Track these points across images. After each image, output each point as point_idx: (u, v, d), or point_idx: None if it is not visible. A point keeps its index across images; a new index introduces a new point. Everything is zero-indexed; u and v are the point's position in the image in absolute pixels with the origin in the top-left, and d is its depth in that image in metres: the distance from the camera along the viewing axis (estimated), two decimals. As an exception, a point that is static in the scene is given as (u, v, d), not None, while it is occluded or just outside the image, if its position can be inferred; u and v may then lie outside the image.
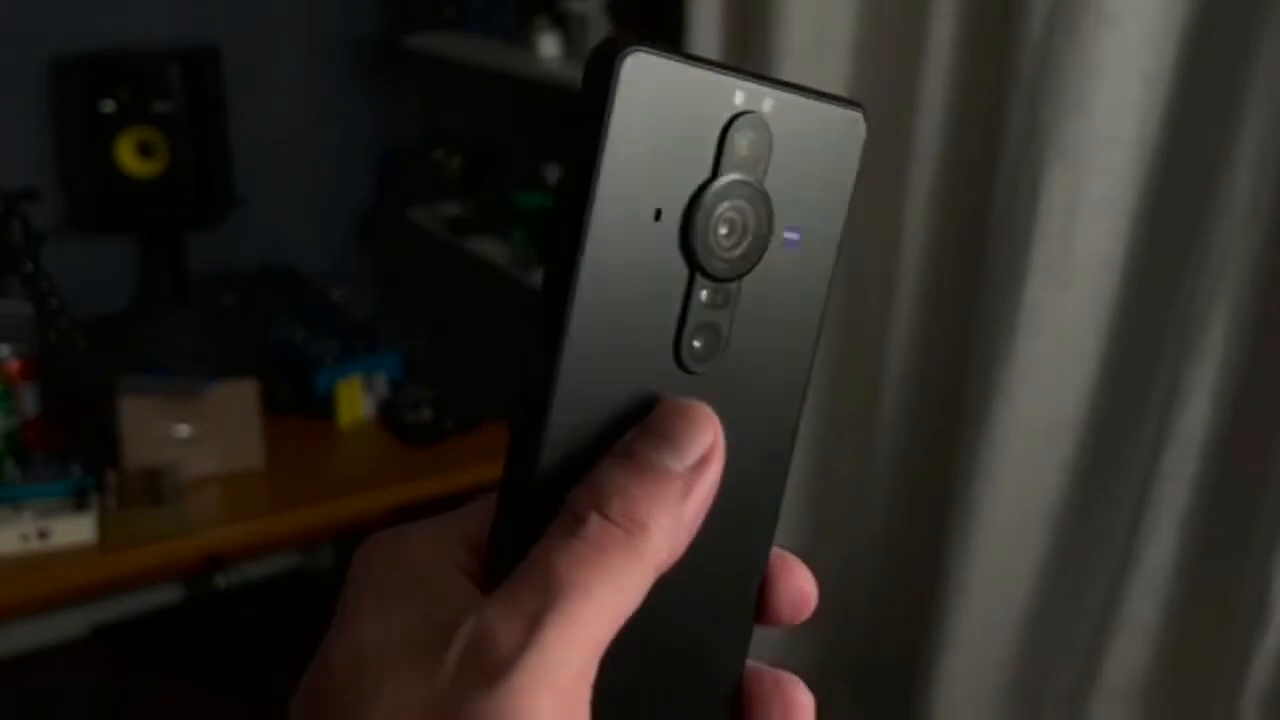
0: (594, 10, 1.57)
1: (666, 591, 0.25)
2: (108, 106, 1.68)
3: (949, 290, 1.27)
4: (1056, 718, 1.24)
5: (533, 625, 0.23)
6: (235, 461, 1.57)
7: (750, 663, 0.29)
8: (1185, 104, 1.04)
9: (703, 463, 0.25)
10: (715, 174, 0.25)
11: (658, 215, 0.25)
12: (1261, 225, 0.99)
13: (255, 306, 1.83)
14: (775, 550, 0.29)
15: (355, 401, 1.73)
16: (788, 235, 0.27)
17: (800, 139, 0.27)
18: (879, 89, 1.27)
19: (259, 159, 1.88)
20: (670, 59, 0.24)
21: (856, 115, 0.28)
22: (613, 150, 0.24)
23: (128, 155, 1.71)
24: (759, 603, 0.29)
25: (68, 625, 1.84)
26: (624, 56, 0.24)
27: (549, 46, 1.60)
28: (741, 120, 0.26)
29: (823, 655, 1.44)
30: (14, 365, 1.53)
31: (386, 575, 0.25)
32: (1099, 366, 1.15)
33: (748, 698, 0.29)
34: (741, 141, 0.26)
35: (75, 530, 1.40)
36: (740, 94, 0.25)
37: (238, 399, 1.57)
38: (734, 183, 0.26)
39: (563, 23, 1.61)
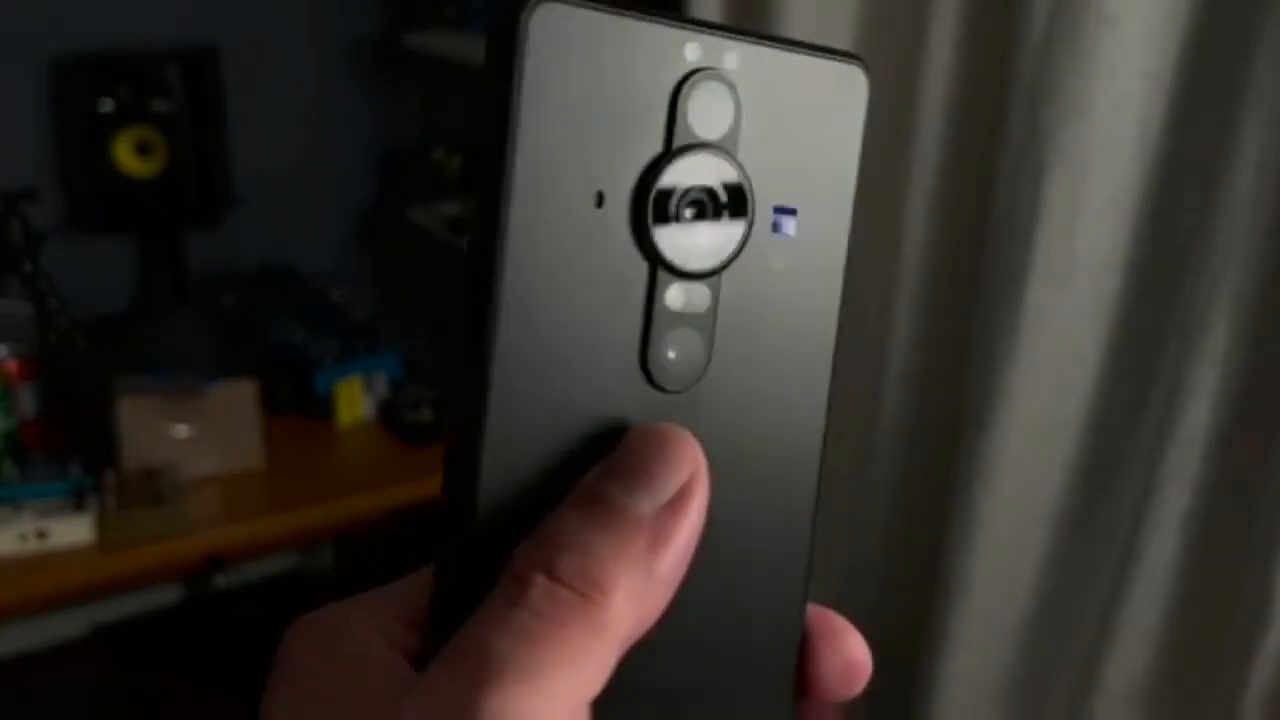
0: (594, 10, 1.57)
1: (677, 669, 0.21)
2: (106, 106, 1.68)
3: (949, 291, 1.27)
4: (1058, 718, 1.24)
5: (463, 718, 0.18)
6: (235, 461, 1.57)
7: None
8: (1186, 104, 1.04)
9: (679, 500, 0.20)
10: (670, 146, 0.21)
11: (600, 200, 0.20)
12: (1263, 225, 0.98)
13: (255, 306, 1.83)
14: (818, 610, 0.24)
15: (355, 401, 1.73)
16: (778, 218, 0.22)
17: (782, 101, 0.22)
18: (879, 89, 1.26)
19: (259, 159, 1.88)
20: (594, 9, 0.20)
21: (855, 70, 0.23)
22: (528, 125, 0.19)
23: (126, 155, 1.71)
24: (800, 674, 0.24)
25: (67, 626, 1.84)
26: (532, 8, 0.19)
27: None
28: (697, 78, 0.21)
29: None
30: (13, 365, 1.52)
31: (315, 664, 0.21)
32: (1100, 367, 1.14)
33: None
34: (699, 105, 0.21)
35: (74, 530, 1.39)
36: (693, 48, 0.21)
37: (238, 399, 1.57)
38: (696, 155, 0.21)
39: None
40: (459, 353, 0.20)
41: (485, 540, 0.20)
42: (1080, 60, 1.03)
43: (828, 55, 0.23)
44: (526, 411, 0.20)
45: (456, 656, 0.19)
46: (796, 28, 1.26)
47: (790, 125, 0.22)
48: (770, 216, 0.22)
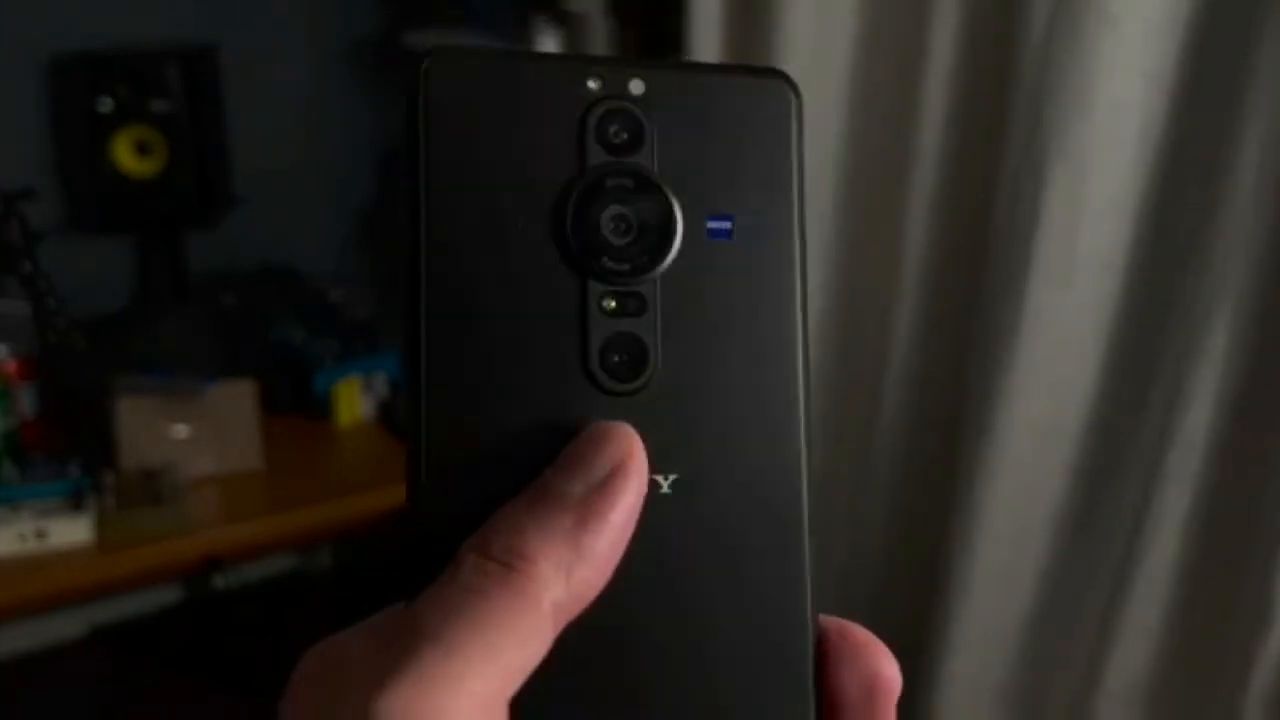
0: (595, 8, 1.57)
1: (670, 663, 0.21)
2: (105, 105, 1.67)
3: (950, 291, 1.27)
4: (1058, 718, 1.24)
5: (380, 685, 0.19)
6: (234, 462, 1.56)
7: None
8: (1187, 103, 1.04)
9: (609, 480, 0.21)
10: (583, 167, 0.23)
11: (520, 224, 0.22)
12: (1264, 225, 0.98)
13: (255, 306, 1.82)
14: (839, 624, 0.24)
15: (354, 402, 1.73)
16: (712, 225, 0.23)
17: (698, 119, 0.23)
18: (881, 90, 1.26)
19: (258, 159, 1.88)
20: (486, 56, 0.22)
21: (777, 84, 0.24)
22: (435, 161, 0.21)
23: (125, 154, 1.71)
24: (821, 686, 0.23)
25: (66, 627, 1.84)
26: (428, 60, 0.21)
27: (550, 45, 1.60)
28: (601, 106, 0.23)
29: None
30: (12, 365, 1.52)
31: (319, 677, 0.22)
32: (1101, 368, 1.14)
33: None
34: (608, 129, 0.23)
35: (73, 531, 1.39)
36: (595, 79, 0.23)
37: (237, 399, 1.57)
38: (610, 173, 0.23)
39: (564, 21, 1.61)
40: (405, 377, 0.22)
41: (440, 544, 0.21)
42: (1081, 60, 1.03)
43: (746, 74, 0.24)
44: (470, 426, 0.22)
45: (389, 633, 0.20)
46: (797, 29, 1.26)
47: (712, 140, 0.24)
48: (704, 224, 0.23)
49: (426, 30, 1.86)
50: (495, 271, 0.22)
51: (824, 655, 0.23)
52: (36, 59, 1.75)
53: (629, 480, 0.21)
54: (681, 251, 0.23)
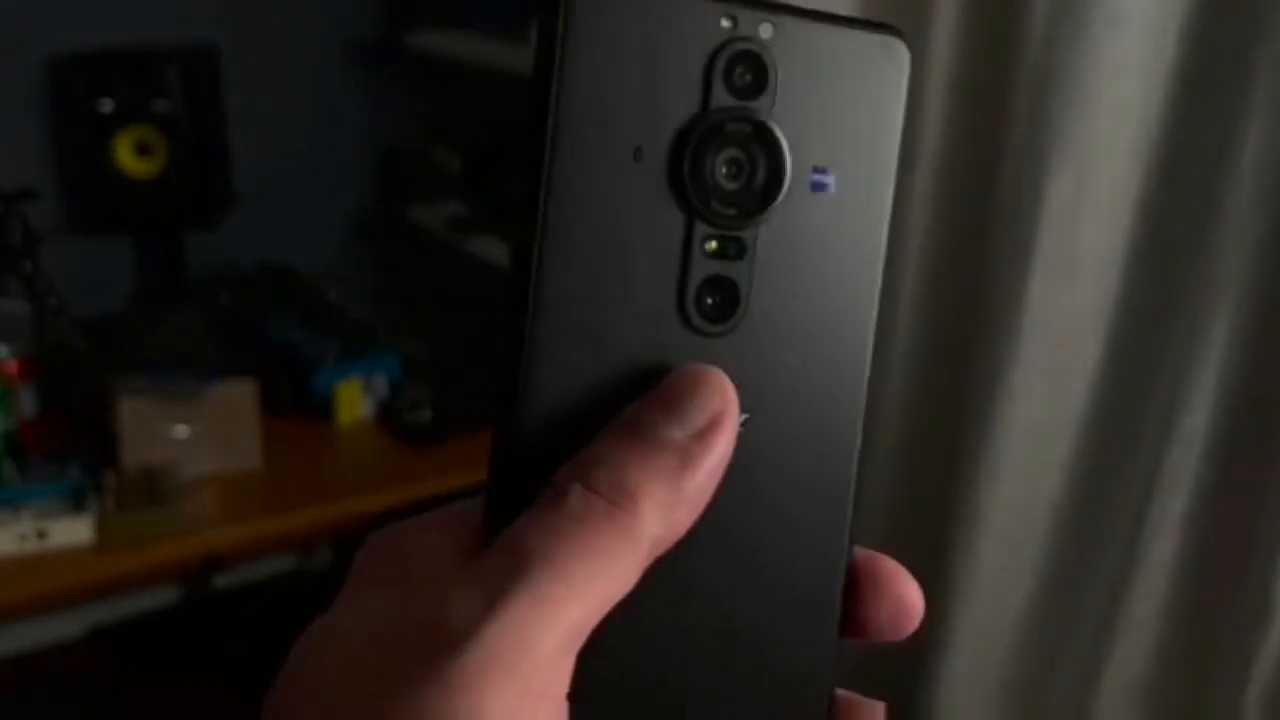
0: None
1: (717, 593, 0.23)
2: (106, 106, 1.68)
3: (950, 290, 1.27)
4: (1058, 718, 1.24)
5: (493, 599, 0.20)
6: (234, 462, 1.56)
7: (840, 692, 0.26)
8: (1189, 102, 1.04)
9: (709, 429, 0.22)
10: (706, 106, 0.23)
11: (637, 154, 0.22)
12: (1265, 223, 0.98)
13: (254, 307, 1.82)
14: (869, 554, 0.26)
15: (354, 402, 1.73)
16: (816, 178, 0.24)
17: (818, 69, 0.24)
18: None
19: (258, 159, 1.88)
20: None
21: (892, 40, 0.24)
22: (571, 84, 0.21)
23: (126, 155, 1.71)
24: (850, 614, 0.25)
25: (65, 627, 1.84)
26: None
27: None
28: (732, 47, 0.23)
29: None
30: (12, 365, 1.52)
31: (382, 563, 0.23)
32: (1102, 366, 1.14)
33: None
34: (735, 70, 0.23)
35: (73, 531, 1.39)
36: (728, 19, 0.23)
37: (236, 399, 1.57)
38: (730, 116, 0.23)
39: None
40: (508, 300, 0.22)
41: (530, 465, 0.22)
42: (1082, 60, 1.03)
43: (866, 28, 0.24)
44: (568, 351, 0.22)
45: (496, 552, 0.21)
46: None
47: (828, 91, 0.24)
48: (809, 175, 0.24)
49: (426, 30, 1.86)
50: (610, 201, 0.22)
51: (858, 583, 0.25)
52: (37, 59, 1.75)
53: (727, 431, 0.22)
54: (785, 200, 0.24)
